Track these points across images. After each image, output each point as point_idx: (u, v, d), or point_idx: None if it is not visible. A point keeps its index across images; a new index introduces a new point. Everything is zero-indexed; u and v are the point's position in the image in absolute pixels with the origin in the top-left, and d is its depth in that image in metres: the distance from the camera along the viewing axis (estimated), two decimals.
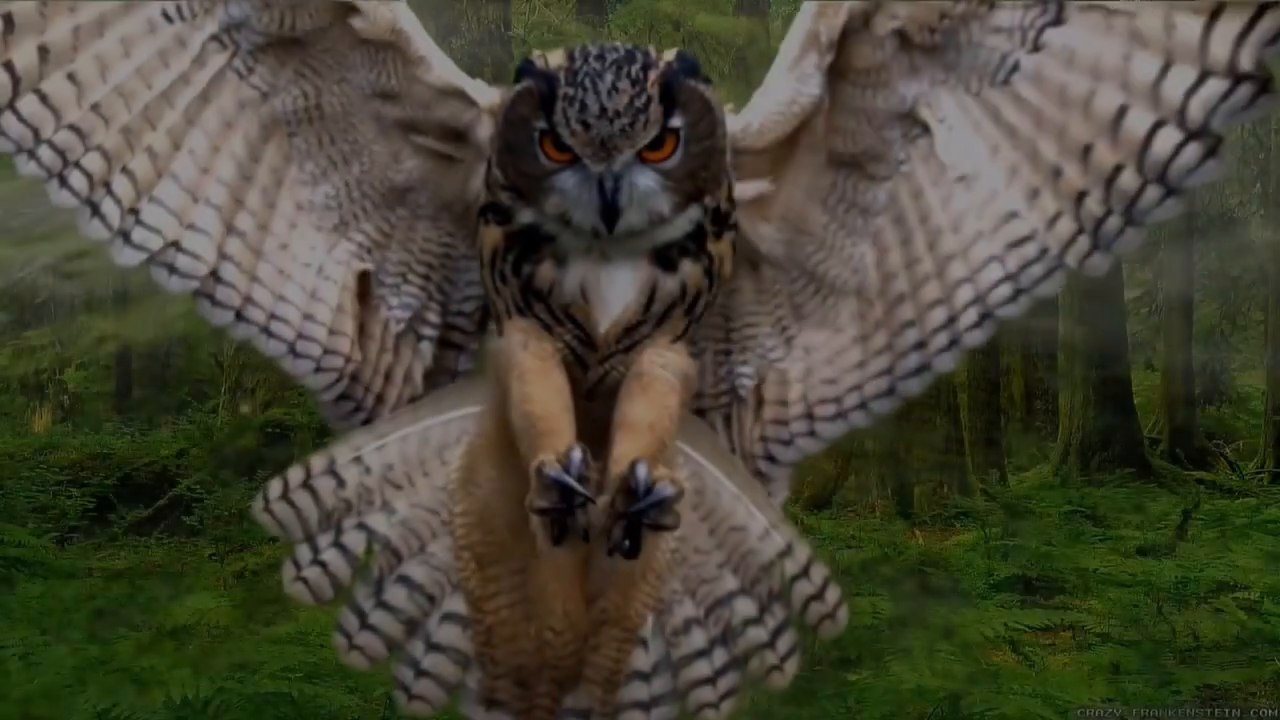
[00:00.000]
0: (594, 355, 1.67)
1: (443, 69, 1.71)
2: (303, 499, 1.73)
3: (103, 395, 12.60)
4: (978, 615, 5.60)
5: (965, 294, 1.68)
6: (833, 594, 1.75)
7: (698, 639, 1.76)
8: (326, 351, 1.73)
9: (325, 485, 1.73)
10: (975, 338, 1.70)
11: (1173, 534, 7.96)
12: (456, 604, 1.75)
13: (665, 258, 1.63)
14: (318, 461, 1.74)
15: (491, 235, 1.65)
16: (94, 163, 1.59)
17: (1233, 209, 13.62)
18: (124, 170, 1.61)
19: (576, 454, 1.54)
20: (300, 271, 1.72)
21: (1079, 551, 7.36)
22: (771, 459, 1.80)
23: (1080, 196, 1.60)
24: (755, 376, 1.80)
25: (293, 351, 1.72)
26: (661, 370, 1.67)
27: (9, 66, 1.54)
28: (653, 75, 1.54)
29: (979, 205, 1.66)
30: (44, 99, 1.56)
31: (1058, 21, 1.60)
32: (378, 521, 1.74)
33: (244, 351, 8.50)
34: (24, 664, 4.34)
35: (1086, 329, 11.53)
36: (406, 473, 1.76)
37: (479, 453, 1.75)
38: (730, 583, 1.77)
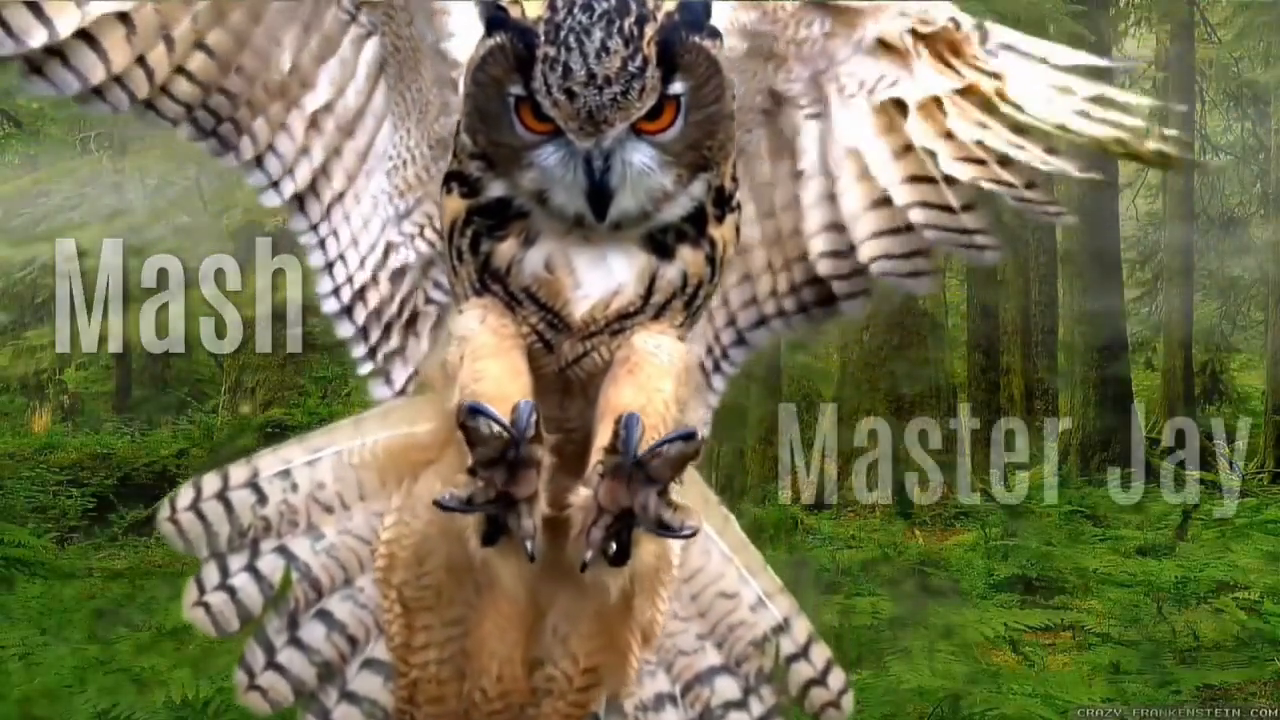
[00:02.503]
0: (565, 337, 1.44)
1: (460, 26, 1.59)
2: (214, 511, 1.55)
3: (103, 395, 12.57)
4: (978, 615, 5.60)
5: (768, 284, 1.64)
6: (837, 678, 1.60)
7: (669, 719, 1.56)
8: (348, 279, 1.70)
9: (243, 499, 1.55)
10: (792, 324, 1.66)
11: (1173, 534, 7.95)
12: (381, 650, 1.54)
13: (660, 243, 1.42)
14: (238, 472, 1.56)
15: (453, 206, 1.45)
16: (244, 115, 1.63)
17: (1233, 209, 13.61)
18: (264, 115, 1.64)
19: (526, 405, 1.29)
20: (368, 200, 1.69)
21: (1079, 551, 7.35)
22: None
23: (896, 230, 1.55)
24: None
25: (329, 268, 1.69)
26: (655, 350, 1.43)
27: (141, 61, 1.55)
28: (649, 31, 1.31)
29: (807, 205, 1.61)
30: (190, 77, 1.59)
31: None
32: (300, 546, 1.54)
33: (244, 351, 8.50)
34: (24, 664, 4.34)
35: (1086, 329, 11.52)
36: (339, 493, 1.55)
37: (418, 467, 1.49)
38: (712, 657, 1.58)
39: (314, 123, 1.65)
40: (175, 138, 1.65)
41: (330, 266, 1.69)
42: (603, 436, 1.33)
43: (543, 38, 1.31)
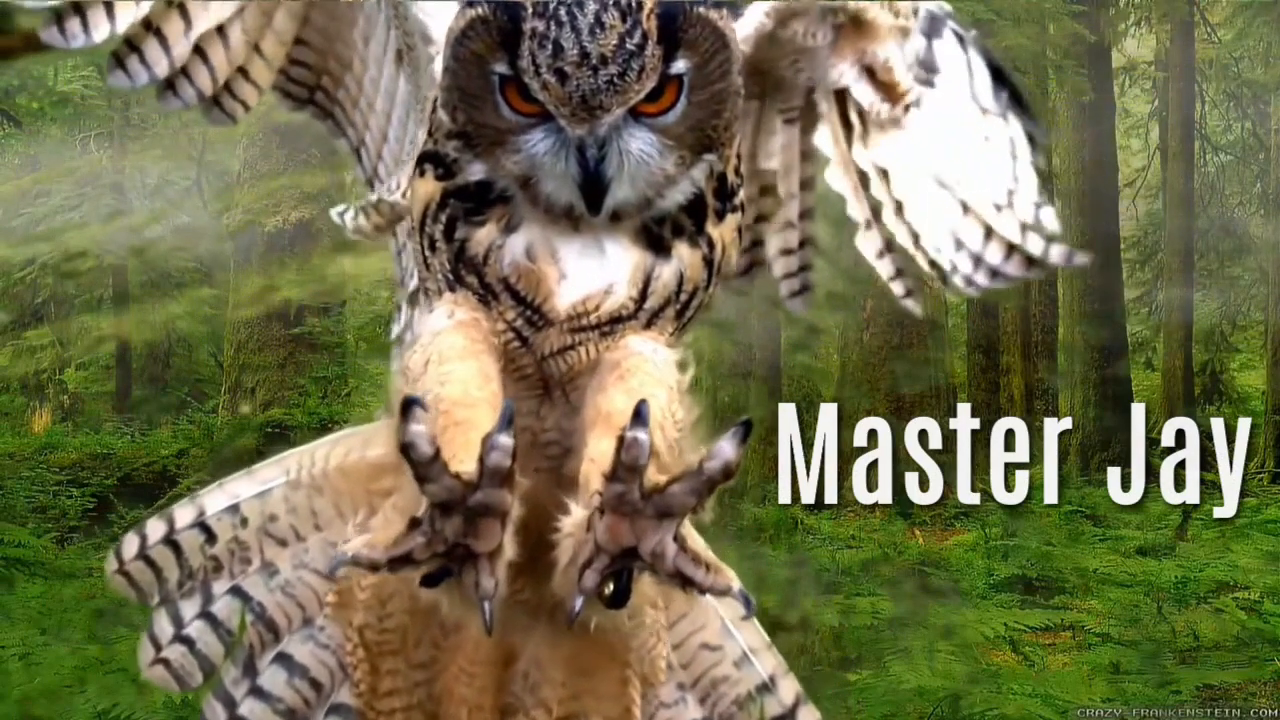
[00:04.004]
0: (544, 335, 1.28)
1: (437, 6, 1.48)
2: (164, 557, 1.44)
3: (103, 395, 12.57)
4: (978, 615, 5.60)
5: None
6: None
7: None
8: (406, 268, 1.67)
9: (190, 540, 1.44)
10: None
11: (1173, 534, 7.95)
12: (347, 695, 1.42)
13: (656, 238, 1.27)
14: (183, 513, 1.46)
15: (426, 189, 1.29)
16: (328, 83, 1.60)
17: (1233, 209, 13.61)
18: (343, 86, 1.61)
19: (506, 408, 1.09)
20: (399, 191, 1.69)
21: (1079, 551, 7.35)
22: None
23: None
24: None
25: (399, 255, 1.68)
26: (650, 354, 1.26)
27: (201, 54, 1.50)
28: (649, 3, 1.17)
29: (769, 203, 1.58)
30: (255, 72, 1.56)
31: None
32: (254, 585, 1.43)
33: (244, 351, 8.51)
34: (24, 664, 4.33)
35: (1086, 329, 11.53)
36: (293, 525, 1.44)
37: (375, 496, 1.35)
38: (694, 711, 1.46)
39: (370, 103, 1.61)
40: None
41: (400, 254, 1.64)
42: (594, 448, 1.16)
43: (530, 10, 1.17)
